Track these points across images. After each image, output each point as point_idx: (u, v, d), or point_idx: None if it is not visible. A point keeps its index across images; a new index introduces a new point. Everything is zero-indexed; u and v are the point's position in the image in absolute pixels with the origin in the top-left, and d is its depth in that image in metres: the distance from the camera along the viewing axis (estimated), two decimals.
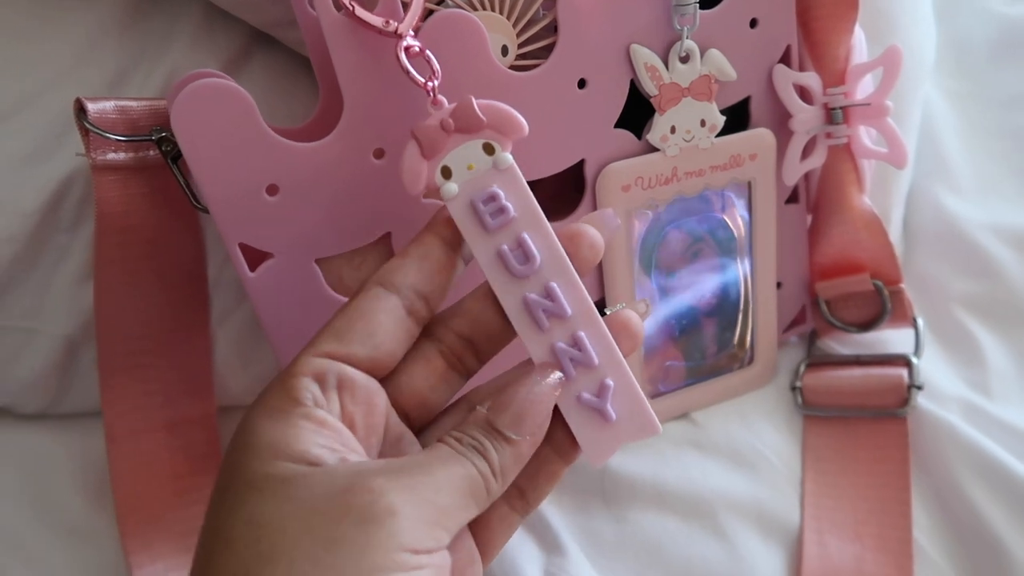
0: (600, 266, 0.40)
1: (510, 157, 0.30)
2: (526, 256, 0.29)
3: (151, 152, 0.35)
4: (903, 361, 0.44)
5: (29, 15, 0.37)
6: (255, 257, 0.33)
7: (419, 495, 0.23)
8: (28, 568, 0.38)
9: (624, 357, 0.29)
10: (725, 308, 0.44)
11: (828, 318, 0.47)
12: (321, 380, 0.26)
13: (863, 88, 0.42)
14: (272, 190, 0.32)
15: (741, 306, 0.45)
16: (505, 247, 0.29)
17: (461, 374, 0.29)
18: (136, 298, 0.36)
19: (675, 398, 0.45)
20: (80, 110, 0.33)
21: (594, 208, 0.39)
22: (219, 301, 0.40)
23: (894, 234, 0.51)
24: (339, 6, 0.30)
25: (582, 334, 0.29)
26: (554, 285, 0.29)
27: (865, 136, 0.42)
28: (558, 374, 0.28)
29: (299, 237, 0.33)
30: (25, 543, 0.39)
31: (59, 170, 0.37)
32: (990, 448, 0.42)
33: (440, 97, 0.30)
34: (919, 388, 0.43)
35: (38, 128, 0.37)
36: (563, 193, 0.41)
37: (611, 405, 0.29)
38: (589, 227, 0.29)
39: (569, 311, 0.29)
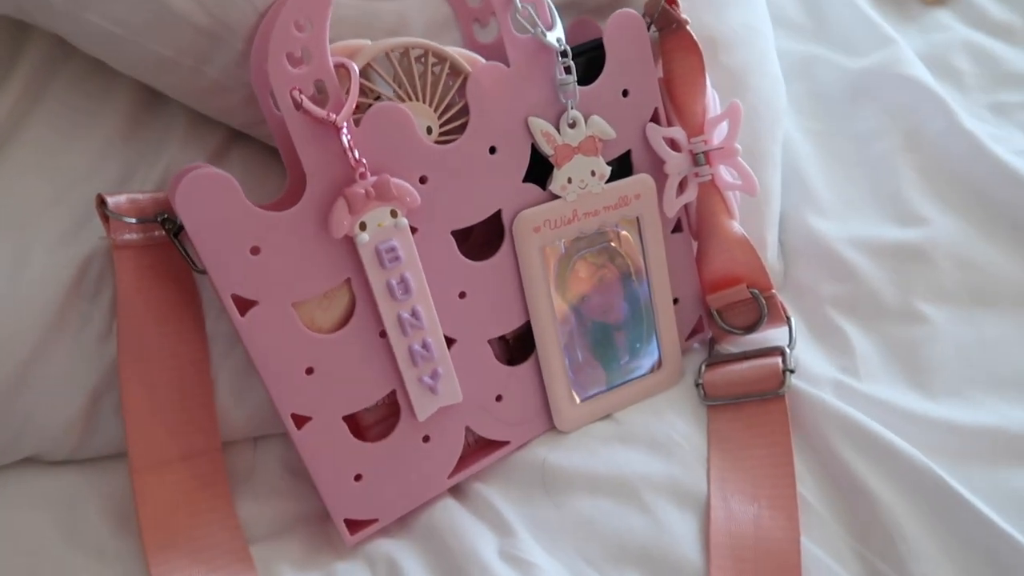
0: (523, 294, 0.50)
1: (406, 221, 0.43)
2: (406, 289, 0.44)
3: (157, 232, 0.44)
4: (778, 351, 0.54)
5: (53, 132, 0.47)
6: (244, 305, 0.42)
7: None
8: None
9: None
10: (631, 322, 0.54)
11: (721, 325, 0.57)
12: None
13: (719, 134, 0.52)
14: (255, 250, 0.41)
15: (645, 320, 0.54)
16: (393, 281, 0.44)
17: None
18: (151, 350, 0.45)
19: (599, 401, 0.54)
20: (101, 202, 0.42)
21: (513, 249, 0.49)
22: (216, 349, 0.49)
23: (771, 252, 0.62)
24: (297, 106, 0.40)
25: (430, 340, 0.46)
26: (419, 307, 0.45)
27: (726, 173, 0.53)
28: None
29: (278, 286, 0.42)
30: (63, 567, 0.46)
31: (82, 252, 0.46)
32: (855, 416, 0.51)
33: (367, 172, 0.41)
34: (792, 371, 0.53)
35: (64, 220, 0.46)
36: (491, 238, 0.50)
37: (439, 385, 0.47)
38: None
39: (425, 325, 0.46)
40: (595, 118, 0.49)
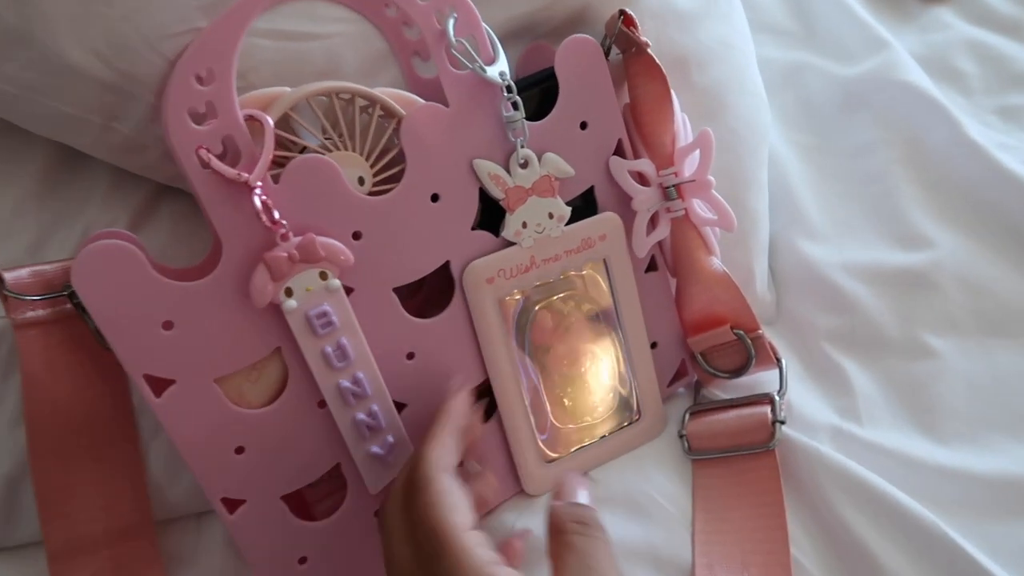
0: (480, 350, 0.45)
1: (339, 283, 0.39)
2: (343, 355, 0.40)
3: (67, 306, 0.40)
4: (768, 399, 0.49)
5: None
6: (160, 384, 0.38)
7: None
8: None
9: None
10: (605, 372, 0.49)
11: (706, 368, 0.52)
12: None
13: (691, 165, 0.48)
14: (167, 325, 0.37)
15: (620, 369, 0.50)
16: (328, 348, 0.40)
17: None
18: (65, 429, 0.41)
19: (574, 460, 0.49)
20: None
21: (464, 302, 0.45)
22: (146, 422, 0.45)
23: (760, 283, 0.57)
24: (205, 165, 0.36)
25: (375, 407, 0.42)
26: (360, 375, 0.41)
27: (699, 207, 0.48)
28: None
29: (196, 362, 0.38)
30: None
31: None
32: (855, 469, 0.46)
33: (289, 233, 0.37)
34: (782, 422, 0.48)
35: None
36: (444, 290, 0.46)
37: (390, 455, 0.43)
38: None
39: (369, 392, 0.41)
40: (549, 155, 0.45)
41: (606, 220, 0.47)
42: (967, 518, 0.44)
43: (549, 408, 0.48)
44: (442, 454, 0.36)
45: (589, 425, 0.50)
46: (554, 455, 0.49)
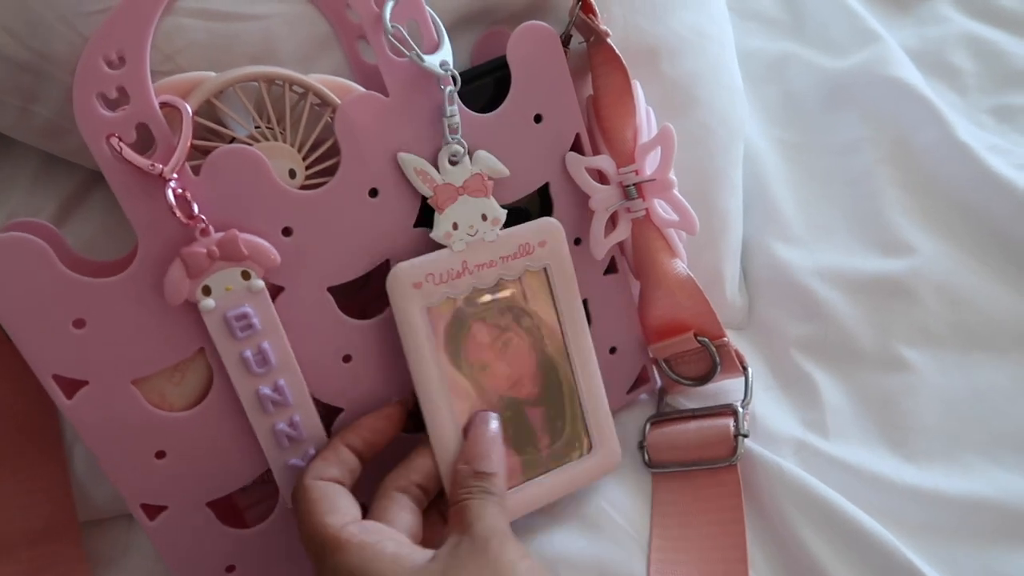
0: (407, 365, 0.41)
1: (262, 283, 0.36)
2: (264, 360, 0.38)
3: None
4: (730, 411, 0.47)
5: None
6: (72, 385, 0.36)
7: None
8: None
9: None
10: (549, 396, 0.44)
11: (670, 375, 0.50)
12: None
13: (652, 163, 0.45)
14: (79, 323, 0.35)
15: (566, 392, 0.44)
16: (248, 353, 0.38)
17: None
18: None
19: (518, 495, 0.43)
20: None
21: None
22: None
23: (730, 287, 0.54)
24: (117, 155, 0.34)
25: (297, 418, 0.39)
26: (282, 382, 0.39)
27: (661, 207, 0.45)
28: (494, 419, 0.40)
29: (111, 362, 0.36)
30: None
31: None
32: (816, 488, 0.43)
33: (209, 228, 0.34)
34: (745, 436, 0.45)
35: None
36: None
37: None
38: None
39: (291, 401, 0.39)
40: (481, 153, 0.41)
41: (547, 225, 0.43)
42: (933, 541, 0.42)
43: None
44: (322, 466, 0.37)
45: (532, 459, 0.43)
46: None
